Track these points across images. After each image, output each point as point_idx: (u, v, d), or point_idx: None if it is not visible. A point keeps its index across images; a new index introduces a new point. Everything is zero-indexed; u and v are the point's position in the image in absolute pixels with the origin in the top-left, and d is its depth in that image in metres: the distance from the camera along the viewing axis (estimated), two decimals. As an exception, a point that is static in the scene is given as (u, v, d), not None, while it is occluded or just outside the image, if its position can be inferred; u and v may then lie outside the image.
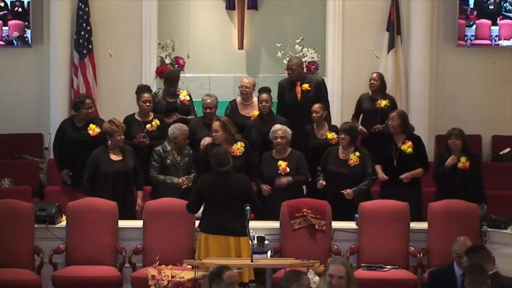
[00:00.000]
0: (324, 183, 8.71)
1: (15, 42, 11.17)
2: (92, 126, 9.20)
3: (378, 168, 8.96)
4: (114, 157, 8.73)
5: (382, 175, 8.89)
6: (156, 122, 9.43)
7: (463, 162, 8.73)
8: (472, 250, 6.50)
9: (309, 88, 9.72)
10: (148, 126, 9.40)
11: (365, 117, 9.98)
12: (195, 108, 10.02)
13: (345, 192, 8.58)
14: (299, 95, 9.73)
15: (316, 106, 9.33)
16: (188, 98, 9.91)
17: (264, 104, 9.36)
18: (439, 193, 8.85)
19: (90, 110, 9.32)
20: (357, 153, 8.78)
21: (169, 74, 10.36)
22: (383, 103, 9.85)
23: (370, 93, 10.08)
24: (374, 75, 10.12)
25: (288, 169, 8.69)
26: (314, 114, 9.29)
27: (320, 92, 9.79)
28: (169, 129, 8.95)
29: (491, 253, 6.64)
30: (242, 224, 7.54)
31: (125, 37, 11.21)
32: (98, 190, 8.63)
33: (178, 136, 8.86)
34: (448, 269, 6.86)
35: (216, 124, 8.74)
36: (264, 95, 9.41)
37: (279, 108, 9.85)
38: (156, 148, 8.92)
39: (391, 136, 9.03)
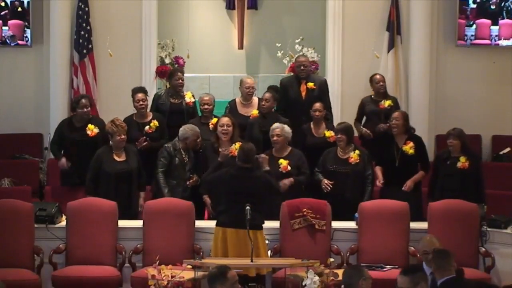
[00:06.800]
0: (330, 182, 8.70)
1: (8, 41, 11.18)
2: (90, 126, 9.17)
3: (378, 170, 8.98)
4: (118, 158, 8.73)
5: (380, 179, 8.89)
6: (154, 123, 9.40)
7: (462, 162, 8.72)
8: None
9: (314, 87, 9.73)
10: (146, 128, 9.36)
11: (370, 119, 9.94)
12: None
13: None
14: (303, 93, 9.75)
15: (318, 105, 9.33)
16: (193, 99, 9.87)
17: (264, 103, 9.37)
18: (436, 193, 8.79)
19: (85, 110, 9.25)
20: (357, 151, 8.79)
21: (172, 69, 10.57)
22: (386, 103, 9.85)
23: (372, 96, 10.07)
24: (379, 76, 10.08)
25: (289, 168, 8.70)
26: (317, 113, 9.30)
27: (323, 92, 9.83)
28: (180, 129, 8.91)
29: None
30: (259, 218, 7.61)
31: (125, 37, 11.20)
32: (101, 190, 8.63)
33: (190, 136, 8.85)
34: None
35: (226, 120, 8.81)
36: (267, 94, 9.44)
37: (280, 106, 9.83)
38: (167, 145, 8.89)
39: (392, 137, 9.03)
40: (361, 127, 9.88)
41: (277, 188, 8.18)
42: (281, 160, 8.72)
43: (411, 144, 8.92)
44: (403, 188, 8.83)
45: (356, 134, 9.51)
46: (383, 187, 8.97)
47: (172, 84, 9.91)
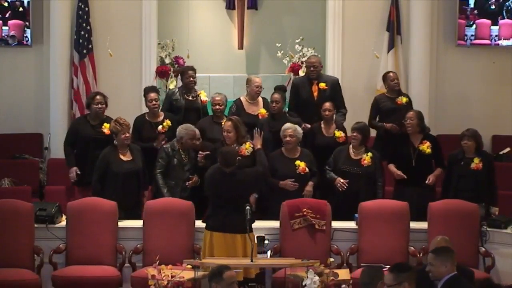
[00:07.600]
0: (346, 181, 8.70)
1: (8, 41, 11.19)
2: (106, 124, 9.13)
3: (392, 167, 8.96)
4: (124, 157, 8.71)
5: (399, 173, 8.86)
6: (167, 123, 9.36)
7: (476, 163, 8.71)
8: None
9: (326, 87, 9.73)
10: (159, 127, 9.35)
11: (388, 116, 9.81)
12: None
13: None
14: (315, 94, 9.74)
15: (328, 105, 9.33)
16: (207, 99, 9.85)
17: (274, 104, 9.35)
18: (450, 194, 8.75)
19: (100, 106, 9.26)
20: (370, 154, 8.79)
21: (182, 67, 10.51)
22: (404, 99, 9.85)
23: (386, 93, 10.04)
24: (393, 74, 10.05)
25: (307, 170, 8.70)
26: (327, 112, 9.30)
27: (335, 92, 9.81)
28: (177, 128, 8.92)
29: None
30: (248, 221, 7.58)
31: (125, 37, 11.21)
32: (108, 190, 8.61)
33: (184, 136, 8.83)
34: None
35: (228, 125, 8.74)
36: (276, 95, 9.41)
37: (291, 107, 9.81)
38: (165, 146, 8.89)
39: (407, 135, 9.02)
40: (384, 123, 9.74)
41: (264, 176, 8.19)
42: (298, 162, 8.70)
43: (428, 143, 8.91)
44: (426, 182, 8.82)
45: (373, 133, 9.52)
46: (398, 187, 8.96)
47: (184, 83, 9.88)
